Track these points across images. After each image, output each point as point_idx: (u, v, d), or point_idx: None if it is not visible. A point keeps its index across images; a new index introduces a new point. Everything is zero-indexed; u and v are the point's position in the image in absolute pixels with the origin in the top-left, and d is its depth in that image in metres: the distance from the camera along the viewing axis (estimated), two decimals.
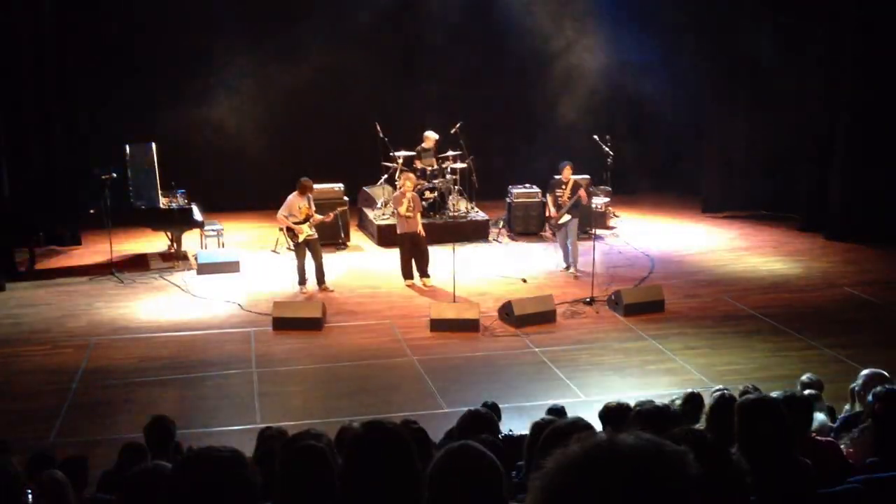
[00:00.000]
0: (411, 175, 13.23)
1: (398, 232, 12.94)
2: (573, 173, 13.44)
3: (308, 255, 12.58)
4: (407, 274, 12.94)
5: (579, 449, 1.44)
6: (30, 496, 4.34)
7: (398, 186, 13.06)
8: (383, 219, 15.11)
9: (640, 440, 1.44)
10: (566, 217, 13.20)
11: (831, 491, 3.96)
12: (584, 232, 13.81)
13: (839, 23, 15.05)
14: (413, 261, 12.88)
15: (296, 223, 12.44)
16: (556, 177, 13.81)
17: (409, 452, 2.88)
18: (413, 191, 12.84)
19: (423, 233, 12.81)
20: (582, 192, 13.11)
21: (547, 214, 14.61)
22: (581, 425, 2.98)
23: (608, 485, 1.38)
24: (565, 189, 13.20)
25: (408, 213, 12.65)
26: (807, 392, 6.51)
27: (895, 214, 14.59)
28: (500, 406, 6.97)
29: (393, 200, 12.88)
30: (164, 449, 5.51)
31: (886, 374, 6.13)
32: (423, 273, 12.94)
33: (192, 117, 15.85)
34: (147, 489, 3.45)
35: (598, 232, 14.82)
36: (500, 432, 5.82)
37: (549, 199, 13.56)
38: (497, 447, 4.65)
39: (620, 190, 16.78)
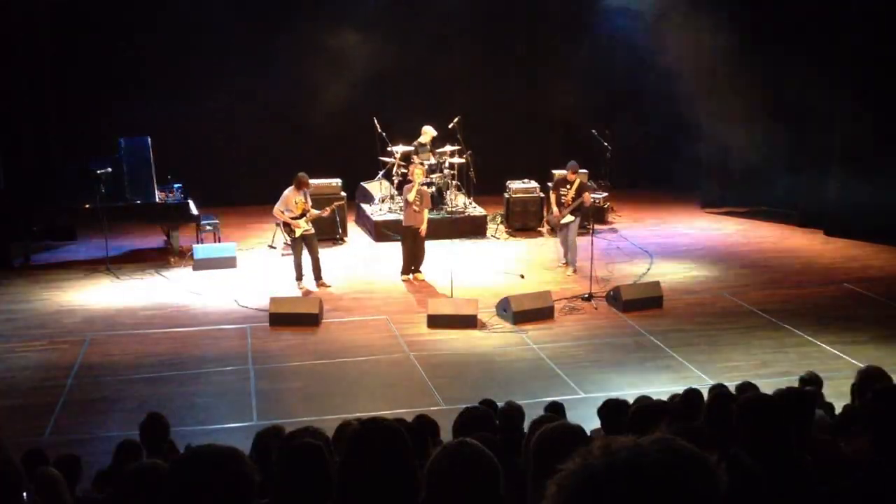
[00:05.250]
0: (422, 166, 13.20)
1: (403, 223, 12.92)
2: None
3: (304, 250, 12.53)
4: (406, 269, 12.92)
5: (601, 463, 1.37)
6: (25, 495, 4.30)
7: (409, 175, 13.03)
8: (381, 214, 15.07)
9: (665, 453, 1.38)
10: (569, 217, 13.15)
11: (830, 489, 3.93)
12: (583, 227, 13.77)
13: (839, 16, 15.02)
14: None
15: (292, 218, 12.39)
16: (558, 172, 13.74)
17: (406, 450, 2.85)
18: (422, 180, 12.80)
19: (424, 232, 12.77)
20: (586, 195, 13.06)
21: (547, 212, 14.53)
22: (573, 431, 2.94)
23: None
24: (570, 189, 13.11)
25: (415, 206, 12.61)
26: (806, 389, 6.49)
27: (895, 210, 14.55)
28: (498, 403, 6.92)
29: (405, 188, 12.87)
30: (159, 447, 5.48)
31: (886, 371, 6.10)
32: (416, 269, 12.95)
33: (188, 111, 15.78)
34: (142, 487, 3.42)
35: (597, 227, 14.79)
36: (496, 429, 5.78)
37: (552, 196, 13.45)
38: (495, 445, 4.62)
39: (619, 185, 16.75)
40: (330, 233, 14.45)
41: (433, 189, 14.72)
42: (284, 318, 11.15)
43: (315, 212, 12.62)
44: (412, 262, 12.92)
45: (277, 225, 13.66)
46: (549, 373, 9.95)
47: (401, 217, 13.69)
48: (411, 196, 12.59)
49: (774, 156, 16.33)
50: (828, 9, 15.20)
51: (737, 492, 2.97)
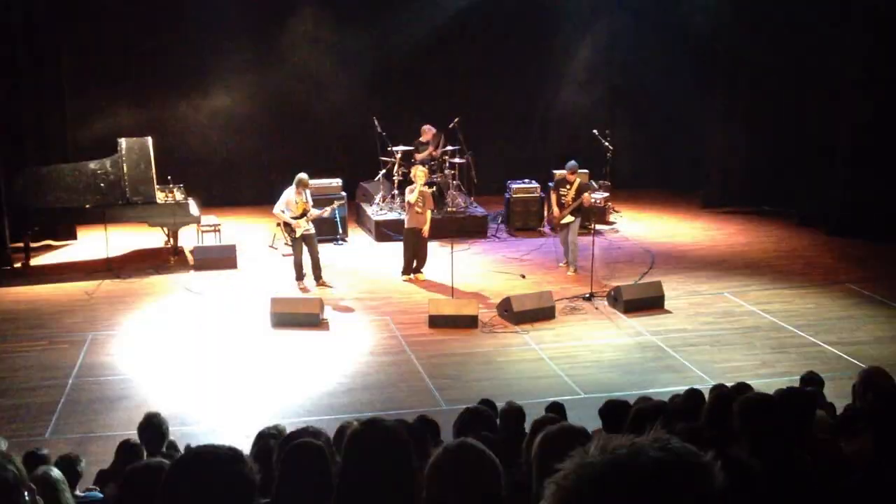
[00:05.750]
0: (424, 168, 13.21)
1: (405, 226, 12.91)
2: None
3: (305, 250, 12.53)
4: (407, 269, 12.93)
5: (600, 462, 1.38)
6: (26, 495, 4.29)
7: (411, 176, 13.02)
8: (381, 214, 15.07)
9: (662, 451, 1.39)
10: (569, 218, 13.14)
11: (830, 489, 3.93)
12: (584, 227, 13.77)
13: (841, 15, 15.01)
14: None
15: (293, 218, 12.39)
16: (559, 172, 13.74)
17: (407, 450, 2.85)
18: (424, 184, 12.79)
19: (427, 234, 12.78)
20: (585, 196, 13.04)
21: (548, 212, 14.54)
22: (575, 432, 2.94)
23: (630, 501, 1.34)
24: (570, 189, 13.10)
25: (417, 207, 12.61)
26: (807, 389, 6.48)
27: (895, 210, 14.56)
28: (499, 404, 6.92)
29: (407, 190, 12.89)
30: (159, 447, 5.47)
31: (886, 371, 6.10)
32: (417, 269, 12.97)
33: (189, 111, 15.78)
34: (144, 486, 3.42)
35: (598, 227, 14.79)
36: (497, 430, 5.79)
37: (553, 196, 13.44)
38: (495, 445, 4.62)
39: (620, 185, 16.74)
40: (330, 233, 14.44)
41: (434, 189, 14.73)
42: (285, 319, 11.14)
43: (315, 211, 12.62)
44: (413, 262, 12.92)
45: (278, 225, 13.65)
46: (550, 373, 9.95)
47: (401, 217, 13.70)
48: (412, 198, 12.59)
49: (775, 155, 16.33)
50: (829, 7, 15.19)
51: (737, 492, 2.96)
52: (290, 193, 12.41)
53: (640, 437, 1.43)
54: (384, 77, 16.63)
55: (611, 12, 16.90)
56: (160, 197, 13.68)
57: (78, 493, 5.48)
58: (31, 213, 13.46)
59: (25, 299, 12.24)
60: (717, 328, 11.25)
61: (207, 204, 14.64)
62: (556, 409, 6.51)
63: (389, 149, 14.96)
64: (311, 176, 13.05)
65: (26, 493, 3.41)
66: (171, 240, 13.99)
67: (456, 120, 14.98)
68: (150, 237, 14.69)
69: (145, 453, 5.56)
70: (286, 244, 13.29)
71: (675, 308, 11.87)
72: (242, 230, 15.27)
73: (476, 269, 13.49)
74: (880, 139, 14.80)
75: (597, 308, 11.84)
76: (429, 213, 12.79)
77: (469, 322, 11.14)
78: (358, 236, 15.30)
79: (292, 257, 12.69)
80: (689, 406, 5.88)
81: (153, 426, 5.70)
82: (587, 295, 12.11)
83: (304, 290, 12.52)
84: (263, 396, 9.36)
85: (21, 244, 13.49)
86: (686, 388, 6.81)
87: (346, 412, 8.12)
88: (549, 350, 10.53)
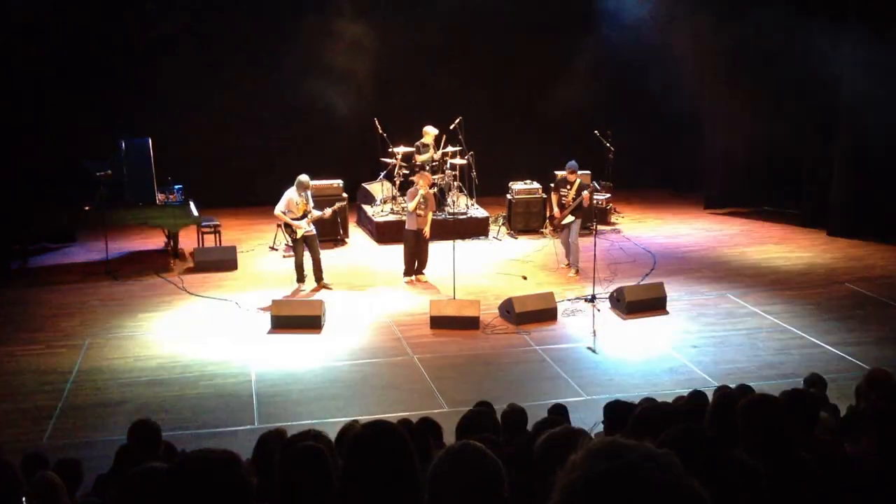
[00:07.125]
0: (427, 174, 13.19)
1: (406, 227, 12.89)
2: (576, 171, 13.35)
3: (306, 251, 12.51)
4: (408, 271, 12.91)
5: (604, 471, 1.44)
6: (23, 499, 4.26)
7: (414, 183, 13.01)
8: (382, 215, 15.05)
9: (662, 474, 1.45)
10: (569, 217, 13.12)
11: (834, 489, 3.91)
12: (585, 228, 13.74)
13: (839, 16, 14.98)
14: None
15: (293, 219, 12.37)
16: (559, 173, 13.73)
17: (410, 452, 2.83)
18: (427, 189, 12.77)
19: (428, 234, 12.76)
20: (586, 195, 13.02)
21: (549, 213, 14.53)
22: (578, 434, 2.93)
23: None
24: (570, 189, 13.08)
25: (419, 211, 12.61)
26: (810, 390, 6.46)
27: None
28: (501, 406, 6.88)
29: (407, 195, 12.87)
30: (152, 452, 5.40)
31: (890, 371, 6.07)
32: (419, 270, 12.94)
33: (189, 112, 15.75)
34: (142, 491, 3.39)
35: (600, 228, 14.76)
36: (499, 431, 5.76)
37: (553, 197, 13.43)
38: (497, 446, 4.59)
39: (622, 185, 16.71)
40: (331, 234, 14.42)
41: (435, 189, 14.70)
42: (286, 321, 11.10)
43: (316, 213, 12.60)
44: (415, 263, 12.90)
45: (279, 226, 13.63)
46: (552, 374, 9.91)
47: (402, 217, 13.67)
48: (412, 206, 12.57)
49: (776, 155, 16.31)
50: (827, 8, 15.16)
51: (740, 493, 2.94)
52: (290, 194, 12.38)
53: (645, 446, 1.50)
54: (385, 78, 16.59)
55: (612, 13, 16.86)
56: (160, 198, 13.65)
57: (77, 498, 5.46)
58: (30, 214, 13.43)
59: (22, 302, 12.19)
60: (719, 329, 11.22)
61: (207, 205, 14.60)
62: (559, 411, 6.48)
63: (390, 150, 14.95)
64: (312, 177, 13.03)
65: (24, 498, 3.37)
66: (171, 241, 13.97)
67: (457, 120, 14.96)
68: (149, 239, 14.68)
69: (139, 459, 5.49)
70: (287, 245, 13.27)
71: (677, 309, 11.84)
72: (242, 232, 15.25)
73: (477, 270, 13.46)
74: (880, 139, 14.76)
75: (599, 310, 11.80)
76: (429, 215, 12.77)
77: (471, 323, 11.11)
78: (359, 237, 15.28)
79: (293, 259, 12.67)
80: (693, 408, 5.84)
81: (141, 430, 5.61)
82: (589, 296, 12.08)
83: (306, 292, 12.49)
84: (265, 399, 9.33)
85: (19, 246, 13.46)
86: (689, 389, 6.78)
87: (348, 415, 8.08)
88: (551, 351, 10.50)
